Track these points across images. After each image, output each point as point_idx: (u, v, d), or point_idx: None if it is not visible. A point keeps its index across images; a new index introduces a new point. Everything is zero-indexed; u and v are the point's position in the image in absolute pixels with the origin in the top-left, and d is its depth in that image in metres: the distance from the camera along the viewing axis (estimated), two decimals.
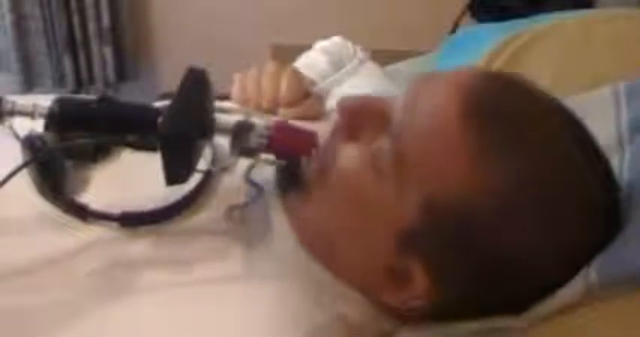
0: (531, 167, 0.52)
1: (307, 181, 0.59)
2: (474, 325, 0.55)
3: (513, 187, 0.52)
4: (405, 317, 0.58)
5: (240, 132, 0.57)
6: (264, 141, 0.58)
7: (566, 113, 0.57)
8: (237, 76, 0.84)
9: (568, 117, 0.57)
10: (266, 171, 0.62)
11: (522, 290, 0.54)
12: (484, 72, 0.59)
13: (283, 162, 0.60)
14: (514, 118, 0.53)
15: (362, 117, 0.58)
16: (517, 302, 0.54)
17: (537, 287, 0.54)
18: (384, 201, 0.54)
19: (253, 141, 0.57)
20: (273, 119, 0.62)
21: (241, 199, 0.62)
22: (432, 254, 0.54)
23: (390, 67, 1.19)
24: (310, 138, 0.59)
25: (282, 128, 0.59)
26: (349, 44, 0.98)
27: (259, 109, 0.79)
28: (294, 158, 0.59)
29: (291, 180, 0.60)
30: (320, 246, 0.59)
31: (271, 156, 0.60)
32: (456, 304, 0.55)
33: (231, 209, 0.60)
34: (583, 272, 0.52)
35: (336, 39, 0.99)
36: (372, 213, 0.55)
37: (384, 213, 0.55)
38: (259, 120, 0.59)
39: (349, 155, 0.57)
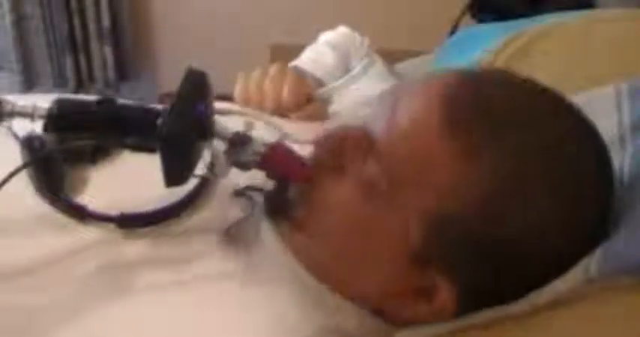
0: (518, 149, 0.52)
1: (299, 216, 0.58)
2: (476, 318, 0.55)
3: (506, 172, 0.52)
4: (408, 322, 0.57)
5: (236, 144, 0.57)
6: (258, 158, 0.58)
7: (548, 91, 0.57)
8: (240, 76, 0.83)
9: (551, 94, 0.57)
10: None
11: (534, 272, 0.53)
12: (456, 72, 0.58)
13: (271, 190, 0.60)
14: (494, 110, 0.54)
15: (344, 149, 0.57)
16: (528, 286, 0.53)
17: (549, 268, 0.53)
18: (387, 227, 0.54)
19: (247, 155, 0.58)
20: (272, 140, 0.60)
21: (238, 204, 0.62)
22: (448, 261, 0.54)
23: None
24: (303, 166, 0.59)
25: (277, 150, 0.58)
26: (357, 36, 0.96)
27: (261, 111, 0.79)
28: (282, 184, 0.59)
29: (280, 211, 0.60)
30: (325, 276, 0.58)
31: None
32: (471, 298, 0.55)
33: (228, 229, 0.60)
34: (583, 263, 0.52)
35: (343, 29, 0.97)
36: (378, 242, 0.55)
37: (390, 239, 0.54)
38: (258, 134, 0.59)
39: (342, 189, 0.56)
